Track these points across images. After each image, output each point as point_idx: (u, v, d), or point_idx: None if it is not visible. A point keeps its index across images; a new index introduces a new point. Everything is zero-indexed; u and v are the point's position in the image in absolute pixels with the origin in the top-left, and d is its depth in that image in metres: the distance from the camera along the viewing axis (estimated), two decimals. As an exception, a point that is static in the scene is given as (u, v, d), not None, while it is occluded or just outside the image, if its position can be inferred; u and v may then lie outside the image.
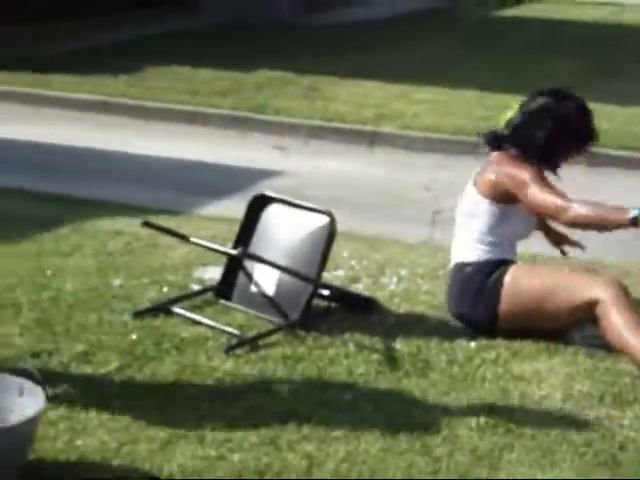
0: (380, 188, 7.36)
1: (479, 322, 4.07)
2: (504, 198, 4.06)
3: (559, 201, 3.87)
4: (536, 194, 3.93)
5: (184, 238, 4.21)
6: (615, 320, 3.79)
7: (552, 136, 4.03)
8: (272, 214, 4.32)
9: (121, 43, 11.90)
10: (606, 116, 9.67)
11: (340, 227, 5.29)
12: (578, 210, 3.83)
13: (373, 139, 8.86)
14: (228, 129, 9.10)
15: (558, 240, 4.57)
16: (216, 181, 7.18)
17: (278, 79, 10.50)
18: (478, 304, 4.05)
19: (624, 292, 3.88)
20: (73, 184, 6.77)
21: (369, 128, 8.93)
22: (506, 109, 4.29)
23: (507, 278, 4.03)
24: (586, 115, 4.09)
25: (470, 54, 12.42)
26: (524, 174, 3.98)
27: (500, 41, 14.11)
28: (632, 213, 3.76)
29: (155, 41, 12.23)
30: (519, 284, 4.01)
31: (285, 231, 4.26)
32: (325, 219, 4.16)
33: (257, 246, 4.26)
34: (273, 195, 4.36)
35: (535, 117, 4.08)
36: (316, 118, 9.17)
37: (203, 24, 13.48)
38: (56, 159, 7.68)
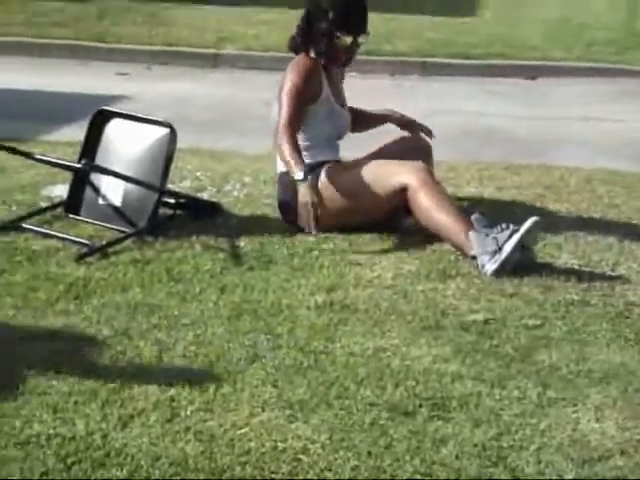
0: (224, 106, 7.55)
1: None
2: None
3: (282, 123, 4.21)
4: (281, 105, 4.26)
5: (28, 155, 4.33)
6: (423, 202, 4.11)
7: (319, 21, 4.30)
8: (114, 128, 4.47)
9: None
10: (434, 26, 10.11)
11: (185, 144, 5.48)
12: (281, 141, 4.20)
13: (215, 61, 9.02)
14: (69, 59, 9.09)
15: (405, 124, 4.75)
16: (59, 109, 7.23)
17: (119, 8, 10.48)
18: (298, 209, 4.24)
19: (430, 176, 4.20)
20: None
21: (211, 51, 9.08)
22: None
23: (321, 180, 4.28)
24: (355, 3, 4.33)
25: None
26: (287, 83, 4.28)
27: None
28: (297, 175, 4.11)
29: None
30: (332, 183, 4.27)
31: (128, 144, 4.42)
32: (165, 130, 4.35)
33: (102, 160, 4.41)
34: (114, 110, 4.52)
35: (310, 10, 4.37)
36: (158, 44, 9.25)
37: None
38: None
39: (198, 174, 5.16)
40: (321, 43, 4.34)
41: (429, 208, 4.11)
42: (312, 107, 4.33)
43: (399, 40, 9.55)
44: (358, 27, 4.35)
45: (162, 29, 9.69)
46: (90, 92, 7.81)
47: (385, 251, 4.15)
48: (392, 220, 4.36)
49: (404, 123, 4.74)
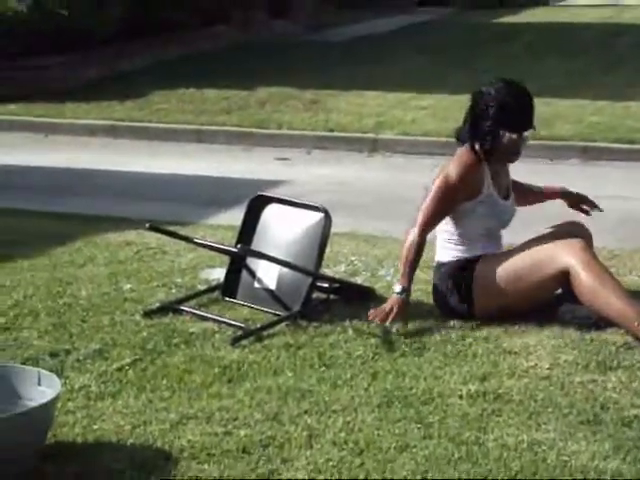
0: (380, 190, 7.61)
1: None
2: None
3: (419, 219, 4.21)
4: (428, 197, 4.24)
5: (187, 239, 4.46)
6: (587, 284, 4.00)
7: (483, 119, 4.20)
8: (270, 213, 4.56)
9: (134, 70, 12.22)
10: (599, 110, 9.94)
11: (341, 228, 5.56)
12: (407, 237, 4.23)
13: (374, 146, 9.12)
14: (233, 145, 9.39)
15: (575, 201, 4.68)
16: (221, 193, 7.45)
17: (280, 94, 10.78)
18: (456, 304, 4.25)
19: (592, 254, 4.09)
20: (86, 204, 7.04)
21: (370, 135, 9.20)
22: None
23: (477, 272, 4.23)
24: (517, 100, 4.21)
25: (465, 60, 12.66)
26: (445, 173, 4.24)
27: (497, 46, 14.36)
28: (396, 288, 4.15)
29: (161, 67, 12.54)
30: (488, 274, 4.20)
31: (284, 228, 4.50)
32: (320, 215, 4.40)
33: (258, 244, 4.50)
34: (270, 195, 4.61)
35: (474, 106, 4.29)
36: (318, 129, 9.44)
37: (205, 49, 13.79)
38: (70, 181, 7.98)
39: (353, 258, 5.18)
40: (486, 141, 4.25)
41: (595, 290, 4.00)
42: (469, 204, 4.26)
43: (560, 124, 9.44)
44: (522, 124, 4.23)
45: (323, 115, 9.90)
46: (252, 177, 8.02)
47: (541, 340, 4.04)
48: (555, 307, 4.25)
49: (575, 199, 4.66)
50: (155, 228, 4.37)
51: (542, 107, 10.07)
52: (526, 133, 4.26)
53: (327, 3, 17.77)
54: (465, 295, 4.25)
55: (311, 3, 17.16)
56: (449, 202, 4.24)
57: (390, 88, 10.95)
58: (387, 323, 4.08)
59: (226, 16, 14.95)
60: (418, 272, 4.88)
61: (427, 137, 8.93)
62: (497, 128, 4.20)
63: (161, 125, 9.78)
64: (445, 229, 4.33)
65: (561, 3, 20.75)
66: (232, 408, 3.43)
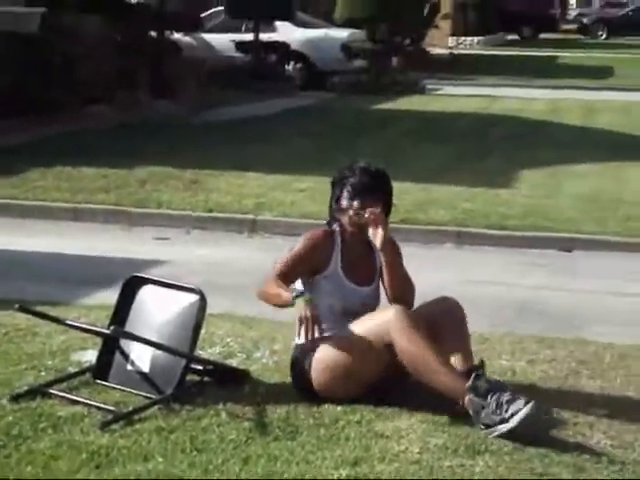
0: (259, 271, 7.54)
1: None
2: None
3: (273, 270, 4.35)
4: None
5: (58, 321, 4.38)
6: (407, 352, 4.10)
7: (334, 198, 4.45)
8: (145, 295, 4.52)
9: (11, 146, 12.03)
10: (472, 197, 10.24)
11: (217, 309, 5.54)
12: (265, 282, 4.35)
13: (253, 227, 9.16)
14: (111, 224, 9.30)
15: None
16: (97, 273, 7.34)
17: (161, 174, 10.76)
18: (300, 384, 4.35)
19: (411, 326, 4.12)
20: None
21: (249, 217, 9.24)
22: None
23: (314, 356, 4.29)
24: (362, 177, 4.41)
25: (346, 144, 12.91)
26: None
27: (376, 131, 14.70)
28: (294, 292, 4.19)
29: (40, 144, 12.38)
30: (321, 357, 4.26)
31: (158, 310, 4.46)
32: (195, 296, 4.38)
33: (132, 326, 4.44)
34: (145, 276, 4.58)
35: (332, 185, 4.53)
36: (198, 209, 9.44)
37: (86, 127, 13.71)
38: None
39: (228, 340, 5.17)
40: (336, 214, 4.44)
41: (416, 360, 4.09)
42: (317, 278, 4.39)
43: (435, 209, 9.67)
44: (360, 197, 4.37)
45: (202, 195, 9.90)
46: (130, 256, 7.95)
47: (412, 424, 4.08)
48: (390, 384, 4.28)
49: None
50: (25, 309, 4.29)
51: (418, 192, 10.40)
52: (366, 206, 4.33)
53: (210, 84, 17.92)
54: (305, 375, 4.30)
55: (194, 84, 17.29)
56: (298, 265, 4.35)
57: (271, 170, 11.05)
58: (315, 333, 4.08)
59: (109, 96, 14.93)
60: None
61: (306, 219, 9.00)
62: (341, 202, 4.40)
63: (37, 203, 9.62)
64: None
65: (437, 92, 21.40)
66: (97, 497, 3.35)
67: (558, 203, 10.06)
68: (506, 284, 7.69)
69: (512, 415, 3.90)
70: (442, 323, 4.26)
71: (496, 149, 13.34)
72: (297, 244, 4.46)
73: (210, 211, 9.45)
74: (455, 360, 4.18)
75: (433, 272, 7.97)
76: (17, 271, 7.46)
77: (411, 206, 9.76)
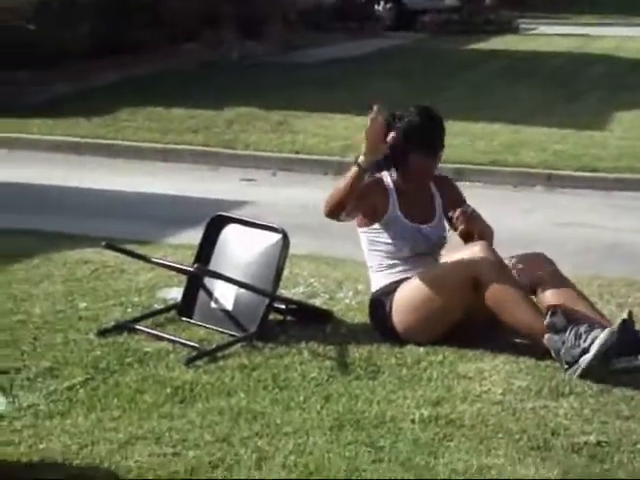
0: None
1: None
2: (363, 221, 4.34)
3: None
4: None
5: (144, 258, 4.43)
6: (494, 292, 4.02)
7: (394, 145, 4.20)
8: (229, 234, 4.54)
9: (102, 87, 12.16)
10: (564, 138, 10.03)
11: (302, 250, 5.55)
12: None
13: (340, 169, 9.11)
14: (198, 164, 9.37)
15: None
16: (184, 213, 7.41)
17: (248, 115, 10.78)
18: (383, 328, 4.30)
19: (498, 261, 4.08)
20: (45, 221, 6.98)
21: (336, 158, 9.20)
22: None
23: (395, 296, 4.25)
24: (425, 124, 4.28)
25: (435, 85, 12.74)
26: None
27: (466, 72, 14.46)
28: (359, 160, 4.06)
29: (129, 84, 12.50)
30: (403, 296, 4.22)
31: (242, 249, 4.48)
32: (278, 236, 4.39)
33: (216, 264, 4.48)
34: (229, 215, 4.60)
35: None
36: (284, 151, 9.45)
37: (173, 67, 13.76)
38: (30, 198, 7.92)
39: (312, 280, 5.17)
40: (404, 165, 4.33)
41: (501, 300, 4.02)
42: (378, 226, 4.33)
43: (525, 151, 9.51)
44: (430, 147, 4.30)
45: (289, 136, 9.90)
46: (216, 197, 8.00)
47: (496, 365, 4.04)
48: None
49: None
50: (111, 246, 4.35)
51: (509, 134, 10.22)
52: (432, 158, 4.30)
53: (298, 25, 17.82)
54: (387, 318, 4.26)
55: (282, 24, 17.21)
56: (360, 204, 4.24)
57: (358, 111, 10.96)
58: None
59: (196, 35, 14.94)
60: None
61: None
62: (406, 150, 4.26)
63: (126, 143, 9.74)
64: (366, 257, 4.40)
65: (531, 32, 20.92)
66: (182, 429, 3.41)
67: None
68: (595, 226, 7.53)
69: (591, 343, 3.83)
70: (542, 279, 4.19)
71: (590, 89, 13.01)
72: None
73: (297, 153, 9.45)
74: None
75: (522, 215, 7.87)
76: (106, 210, 7.59)
77: (501, 147, 9.62)
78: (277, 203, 7.91)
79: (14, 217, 7.03)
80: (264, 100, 11.31)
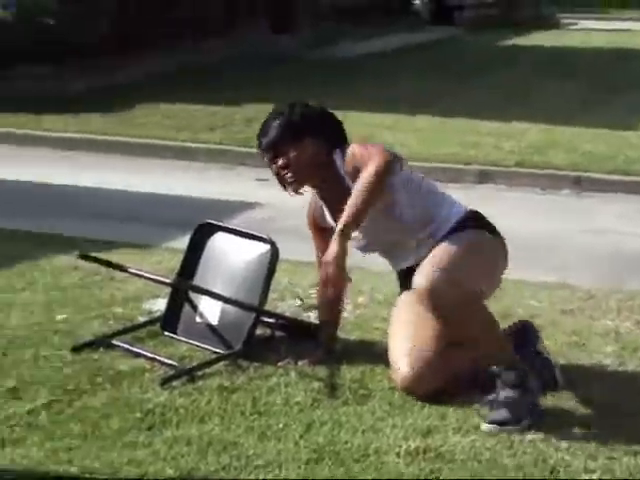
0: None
1: None
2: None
3: None
4: None
5: (120, 268, 4.15)
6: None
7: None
8: (216, 242, 4.25)
9: (121, 83, 11.95)
10: (596, 138, 9.64)
11: (308, 257, 5.24)
12: None
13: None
14: (214, 163, 9.12)
15: None
16: (191, 214, 7.09)
17: (268, 112, 10.47)
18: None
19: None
20: (46, 221, 6.75)
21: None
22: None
23: None
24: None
25: (469, 81, 12.41)
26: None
27: (502, 67, 14.13)
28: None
29: (151, 80, 12.27)
30: None
31: (228, 260, 4.19)
32: (266, 247, 4.09)
33: (202, 274, 4.19)
34: (217, 223, 4.31)
35: None
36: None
37: (200, 62, 13.53)
38: (35, 198, 7.70)
39: (311, 291, 4.85)
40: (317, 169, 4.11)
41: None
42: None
43: (554, 152, 9.14)
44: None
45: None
46: (226, 198, 7.74)
47: (497, 391, 3.71)
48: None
49: None
50: (85, 256, 4.07)
51: (538, 133, 9.83)
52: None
53: (331, 19, 17.50)
54: None
55: (315, 18, 16.89)
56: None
57: (384, 108, 10.65)
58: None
59: (224, 30, 14.69)
60: (378, 310, 4.60)
61: (413, 162, 8.61)
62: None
63: (140, 140, 9.50)
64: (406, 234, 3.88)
65: (573, 27, 20.45)
66: (144, 461, 3.12)
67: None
68: (625, 234, 7.15)
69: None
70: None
71: (629, 87, 12.59)
72: None
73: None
74: None
75: (547, 219, 7.53)
76: (111, 211, 7.35)
77: (529, 148, 9.25)
78: (288, 205, 7.57)
79: (14, 217, 6.81)
80: (286, 96, 10.98)
